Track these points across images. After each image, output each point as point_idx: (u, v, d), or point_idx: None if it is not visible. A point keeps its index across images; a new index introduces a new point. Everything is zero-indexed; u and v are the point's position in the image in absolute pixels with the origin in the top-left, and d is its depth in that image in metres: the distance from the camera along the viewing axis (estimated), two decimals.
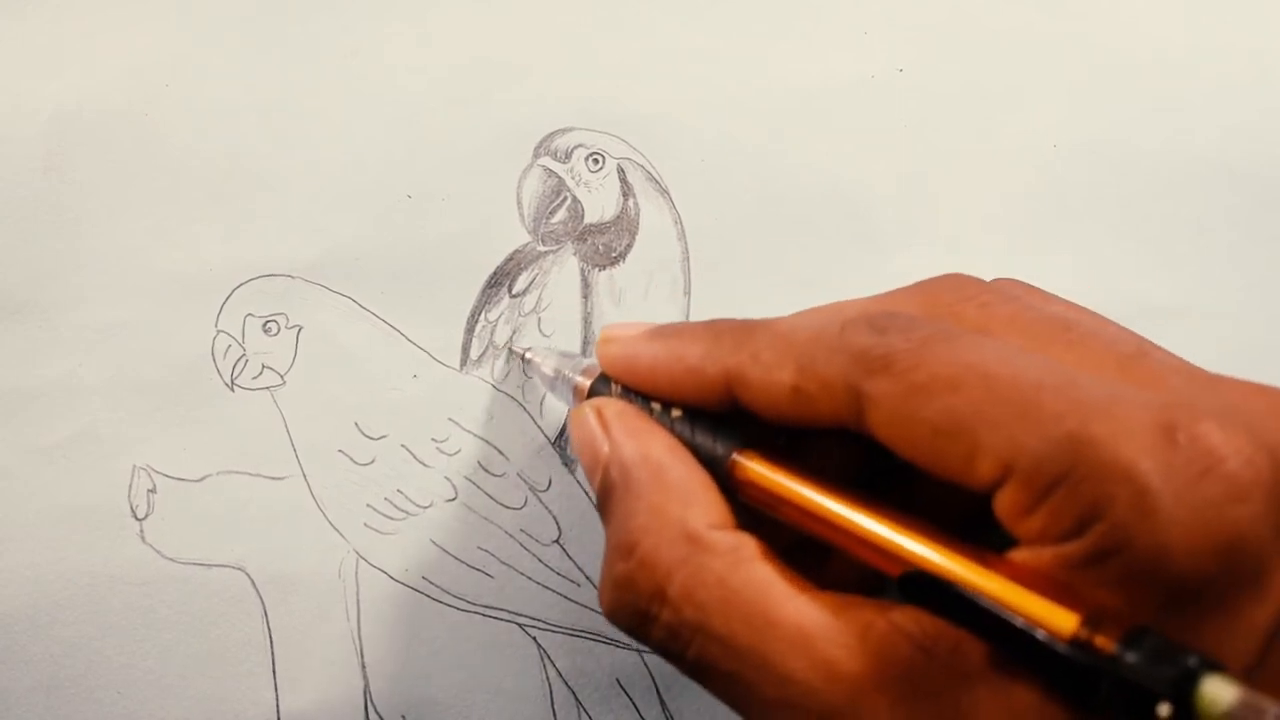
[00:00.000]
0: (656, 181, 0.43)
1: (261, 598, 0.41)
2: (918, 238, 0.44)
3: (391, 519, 0.41)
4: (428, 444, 0.41)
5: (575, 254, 0.43)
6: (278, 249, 0.41)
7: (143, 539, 0.40)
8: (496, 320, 0.42)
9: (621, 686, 0.42)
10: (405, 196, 0.42)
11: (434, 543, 0.41)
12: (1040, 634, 0.25)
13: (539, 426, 0.42)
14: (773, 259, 0.43)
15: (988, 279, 0.33)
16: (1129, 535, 0.24)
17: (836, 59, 0.44)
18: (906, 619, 0.27)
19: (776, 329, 0.31)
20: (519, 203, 0.42)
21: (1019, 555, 0.26)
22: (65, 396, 0.40)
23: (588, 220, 0.43)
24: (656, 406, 0.33)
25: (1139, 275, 0.45)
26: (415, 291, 0.42)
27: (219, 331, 0.41)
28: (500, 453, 0.42)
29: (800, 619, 0.28)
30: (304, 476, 0.41)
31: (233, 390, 0.41)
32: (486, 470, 0.41)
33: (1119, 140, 0.45)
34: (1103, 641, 0.24)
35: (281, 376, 0.41)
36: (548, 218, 0.42)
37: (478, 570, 0.41)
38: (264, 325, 0.41)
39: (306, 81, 0.42)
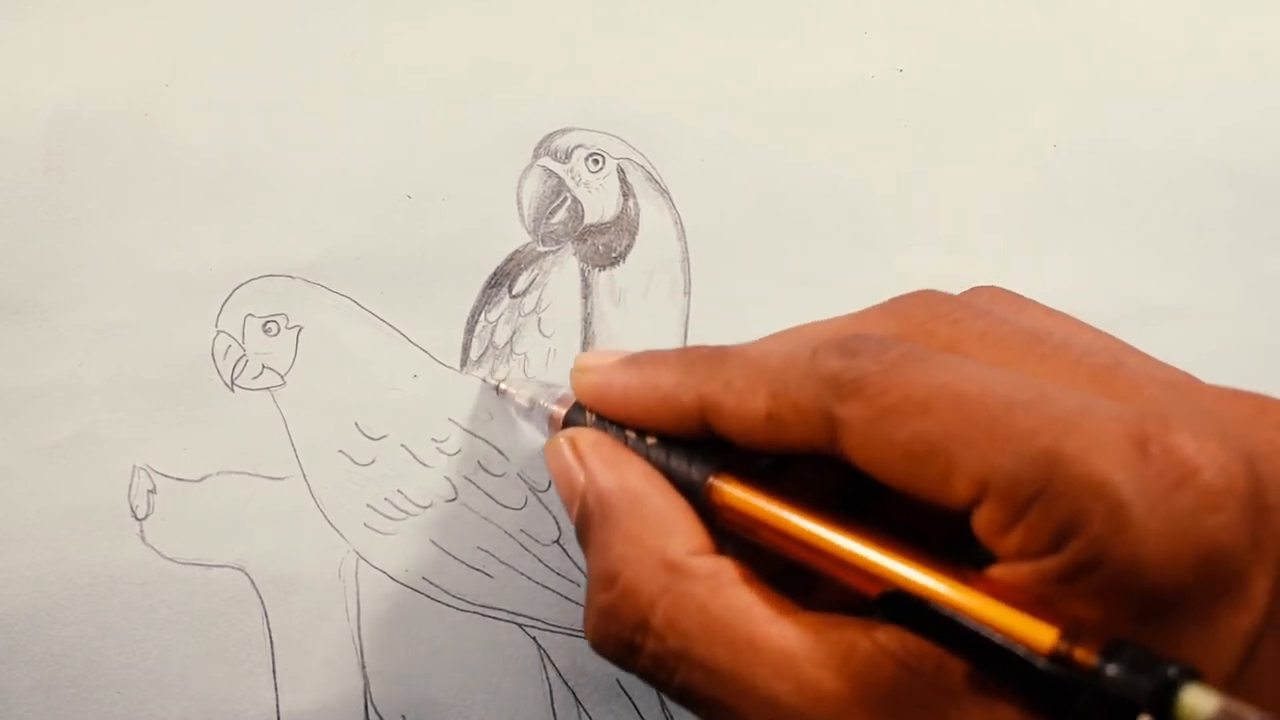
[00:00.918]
0: (656, 181, 0.43)
1: (261, 598, 0.41)
2: (918, 238, 0.44)
3: (391, 519, 0.41)
4: (428, 444, 0.41)
5: (575, 254, 0.43)
6: (278, 249, 0.41)
7: (143, 539, 0.40)
8: (497, 320, 0.42)
9: (621, 686, 0.42)
10: (405, 196, 0.42)
11: (434, 543, 0.41)
12: (1019, 649, 0.25)
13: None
14: (773, 259, 0.43)
15: (980, 285, 0.33)
16: (1106, 549, 0.24)
17: (836, 59, 0.44)
18: (890, 638, 0.27)
19: (748, 355, 0.31)
20: (519, 203, 0.42)
21: (997, 572, 0.26)
22: (65, 396, 0.40)
23: (588, 220, 0.43)
24: (631, 434, 0.33)
25: (1139, 275, 0.45)
26: (415, 291, 0.42)
27: (219, 331, 0.41)
28: (500, 453, 0.42)
29: (783, 641, 0.28)
30: (304, 476, 0.41)
31: (233, 390, 0.41)
32: (486, 470, 0.41)
33: (1119, 140, 0.45)
34: (1082, 654, 0.24)
35: (281, 377, 0.41)
36: (548, 218, 0.42)
37: (478, 570, 0.41)
38: (264, 325, 0.41)
39: (306, 81, 0.42)
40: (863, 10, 0.44)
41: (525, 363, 0.42)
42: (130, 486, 0.40)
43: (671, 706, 0.42)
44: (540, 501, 0.42)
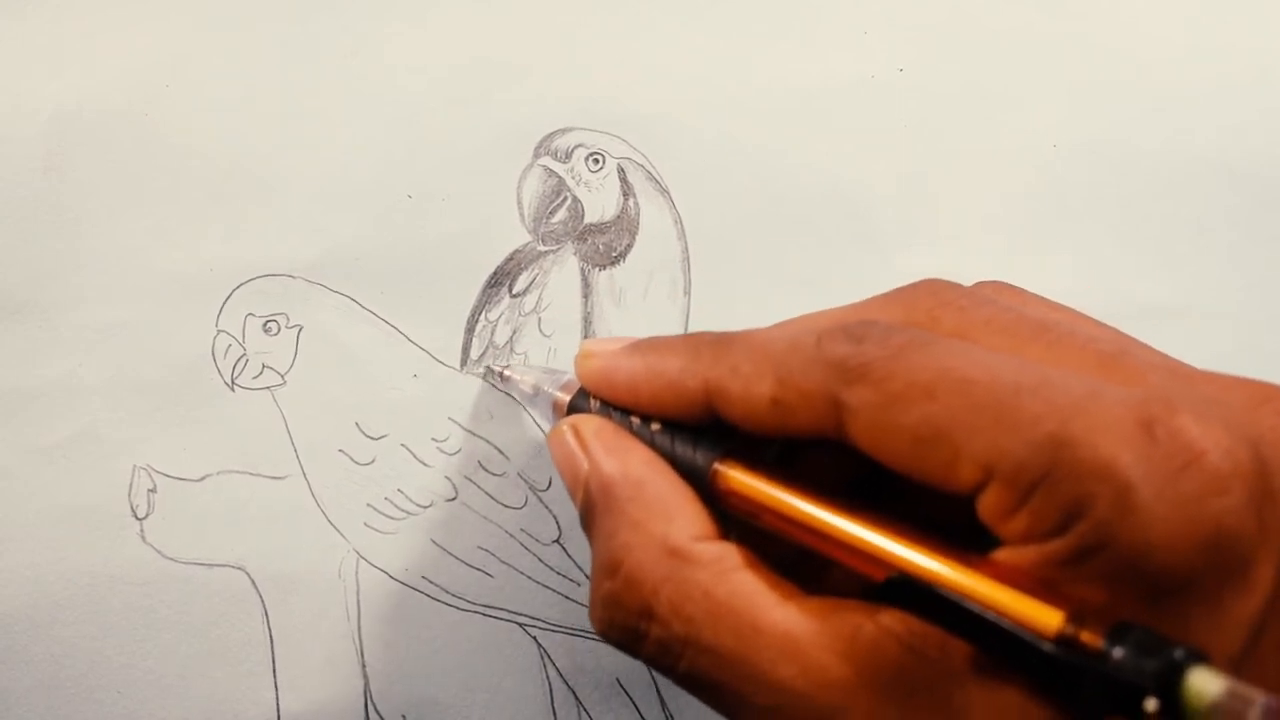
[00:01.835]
0: (656, 181, 0.43)
1: (261, 598, 0.41)
2: (918, 238, 0.44)
3: (391, 519, 0.41)
4: (428, 444, 0.41)
5: (575, 254, 0.43)
6: (278, 249, 0.41)
7: (143, 539, 0.40)
8: (497, 320, 0.42)
9: (621, 686, 0.42)
10: (405, 196, 0.42)
11: (434, 542, 0.41)
12: (1024, 632, 0.25)
13: (539, 426, 0.42)
14: (773, 259, 0.43)
15: (984, 280, 0.33)
16: (1112, 532, 0.24)
17: (836, 59, 0.44)
18: (895, 621, 0.27)
19: (754, 341, 0.31)
20: (519, 203, 0.42)
21: (1003, 556, 0.26)
22: (65, 396, 0.40)
23: (588, 220, 0.43)
24: (636, 420, 0.33)
25: (1139, 275, 0.45)
26: (415, 291, 0.42)
27: (219, 331, 0.41)
28: (500, 452, 0.42)
29: (788, 626, 0.28)
30: (304, 476, 0.41)
31: (233, 390, 0.41)
32: (486, 470, 0.41)
33: (1119, 140, 0.45)
34: (1088, 637, 0.24)
35: (282, 376, 0.41)
36: (548, 218, 0.42)
37: (478, 570, 0.41)
38: (264, 325, 0.41)
39: (306, 81, 0.42)
40: (863, 10, 0.44)
41: (525, 362, 0.42)
42: (130, 486, 0.40)
43: (672, 706, 0.42)
44: (540, 501, 0.42)
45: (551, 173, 0.42)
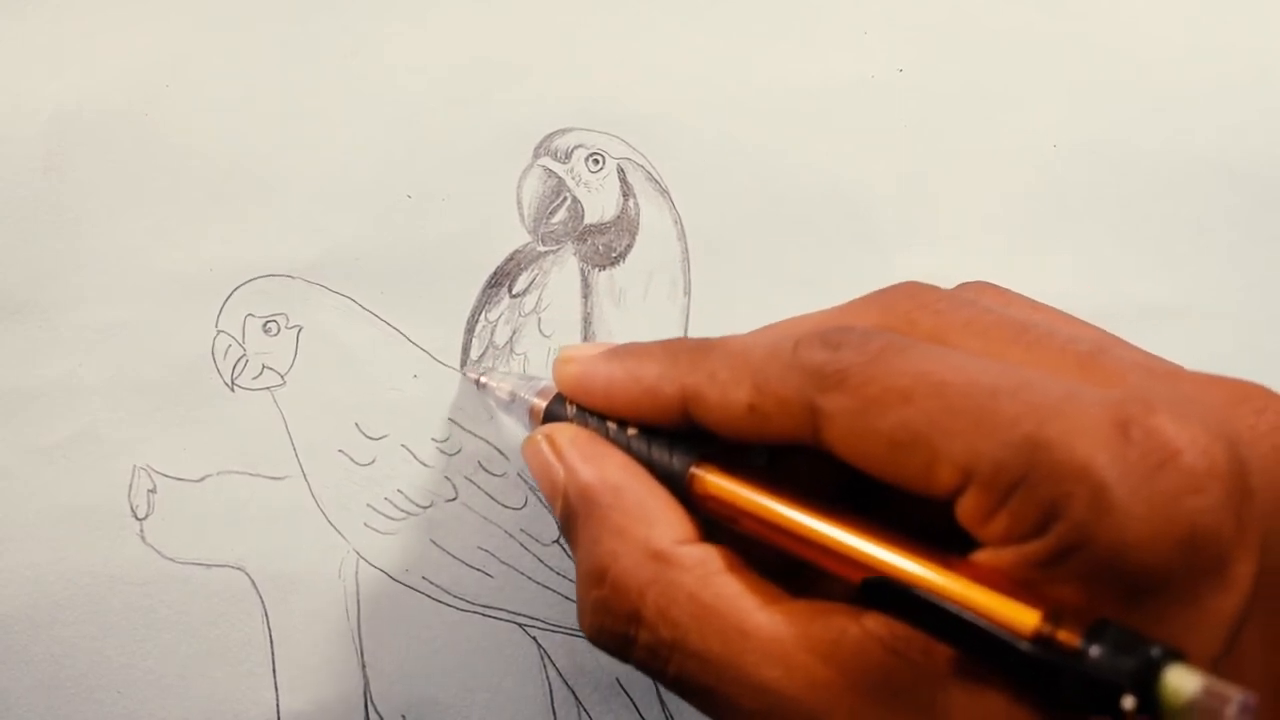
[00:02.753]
0: (656, 181, 0.43)
1: (261, 598, 0.41)
2: (918, 238, 0.44)
3: (391, 519, 0.41)
4: (428, 444, 0.41)
5: (575, 254, 0.43)
6: (278, 249, 0.41)
7: (143, 539, 0.40)
8: (496, 320, 0.42)
9: (621, 686, 0.42)
10: (405, 196, 0.42)
11: (434, 543, 0.41)
12: (1002, 633, 0.25)
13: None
14: (773, 259, 0.43)
15: (970, 280, 0.33)
16: (1089, 532, 0.24)
17: (836, 59, 0.44)
18: (878, 624, 0.27)
19: (732, 347, 0.31)
20: (519, 203, 0.42)
21: (981, 558, 0.26)
22: (65, 396, 0.40)
23: (588, 220, 0.43)
24: (612, 426, 0.33)
25: (1139, 275, 0.45)
26: (415, 291, 0.42)
27: (219, 331, 0.41)
28: (500, 453, 0.42)
29: (773, 629, 0.28)
30: (304, 476, 0.41)
31: (233, 390, 0.41)
32: (486, 470, 0.41)
33: (1119, 140, 0.45)
34: (1065, 636, 0.24)
35: (281, 376, 0.41)
36: (548, 218, 0.42)
37: (478, 570, 0.41)
38: (264, 325, 0.41)
39: (306, 81, 0.42)
40: (863, 10, 0.44)
41: (525, 363, 0.42)
42: (130, 486, 0.40)
43: (671, 706, 0.42)
44: (540, 501, 0.42)
45: (551, 173, 0.42)
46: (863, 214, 0.44)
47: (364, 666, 0.41)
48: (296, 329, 0.41)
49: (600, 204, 0.43)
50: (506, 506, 0.42)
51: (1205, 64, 0.45)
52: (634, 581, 0.30)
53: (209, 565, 0.40)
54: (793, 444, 0.29)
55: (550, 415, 0.35)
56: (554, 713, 0.42)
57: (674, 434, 0.32)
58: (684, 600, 0.29)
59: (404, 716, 0.41)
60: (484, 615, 0.41)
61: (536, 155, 0.42)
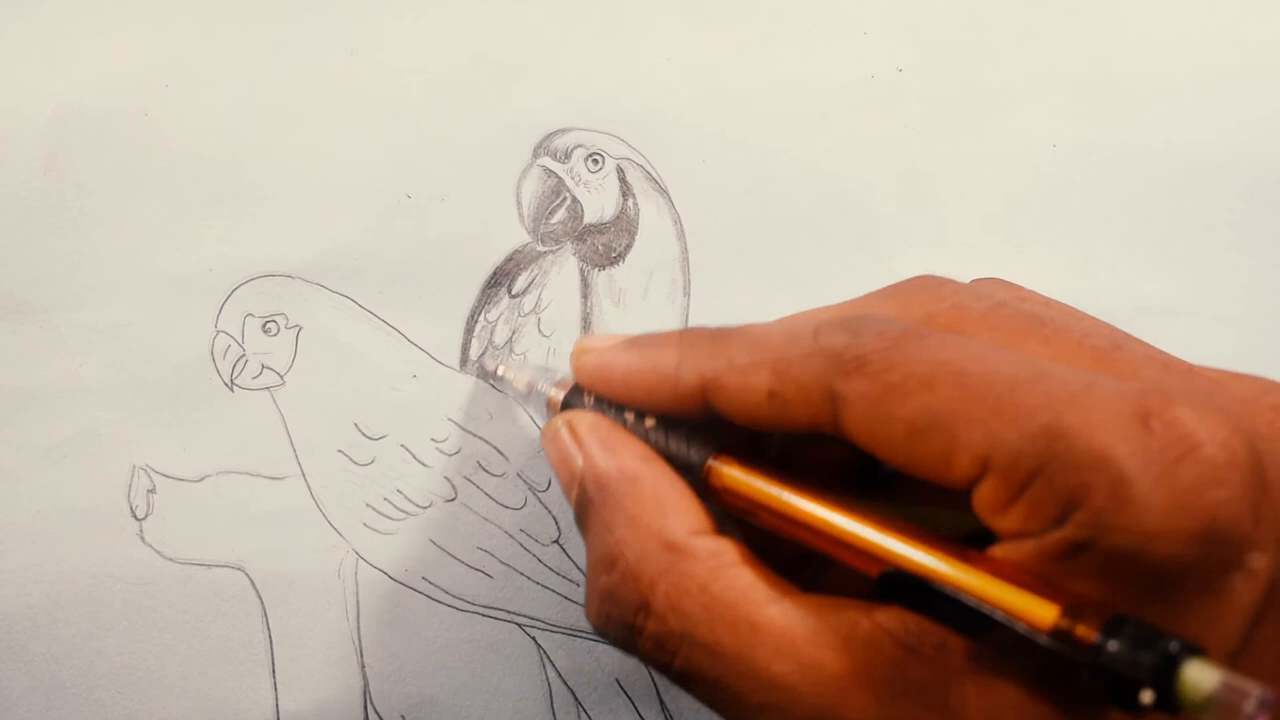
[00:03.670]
0: (656, 181, 0.43)
1: (261, 598, 0.41)
2: (918, 238, 0.44)
3: (391, 519, 0.41)
4: (427, 444, 0.41)
5: (575, 254, 0.43)
6: (278, 249, 0.41)
7: (143, 539, 0.40)
8: (496, 320, 0.42)
9: (621, 686, 0.42)
10: (405, 196, 0.42)
11: (434, 543, 0.41)
12: (1020, 626, 0.25)
13: (539, 426, 0.42)
14: (773, 259, 0.43)
15: (985, 279, 0.33)
16: (1108, 523, 0.24)
17: (836, 59, 0.44)
18: (890, 618, 0.27)
19: (751, 335, 0.31)
20: (519, 203, 0.42)
21: (999, 550, 0.26)
22: (65, 396, 0.40)
23: (587, 220, 0.43)
24: (630, 416, 0.33)
25: (1139, 275, 0.44)
26: (415, 291, 0.42)
27: (219, 331, 0.41)
28: (500, 453, 0.42)
29: (784, 622, 0.28)
30: (304, 476, 0.41)
31: (232, 390, 0.41)
32: (486, 470, 0.41)
33: (1119, 140, 0.45)
34: (1084, 631, 0.24)
35: (281, 376, 0.41)
36: (547, 218, 0.42)
37: (477, 570, 0.41)
38: (264, 325, 0.41)
39: (306, 81, 0.42)
40: (863, 10, 0.44)
41: (524, 361, 0.42)
42: (130, 486, 0.40)
43: (671, 706, 0.42)
44: (540, 501, 0.42)
45: (551, 173, 0.42)
46: (863, 214, 0.44)
47: (363, 666, 0.41)
48: (296, 329, 0.41)
49: (600, 204, 0.43)
50: (506, 506, 0.42)
51: (1205, 64, 0.45)
52: (645, 571, 0.30)
53: (208, 565, 0.40)
54: (811, 432, 0.29)
55: (568, 406, 0.35)
56: (553, 713, 0.42)
57: (691, 426, 0.32)
58: (695, 592, 0.29)
59: (403, 716, 0.41)
60: (483, 615, 0.41)
61: (536, 155, 0.42)
